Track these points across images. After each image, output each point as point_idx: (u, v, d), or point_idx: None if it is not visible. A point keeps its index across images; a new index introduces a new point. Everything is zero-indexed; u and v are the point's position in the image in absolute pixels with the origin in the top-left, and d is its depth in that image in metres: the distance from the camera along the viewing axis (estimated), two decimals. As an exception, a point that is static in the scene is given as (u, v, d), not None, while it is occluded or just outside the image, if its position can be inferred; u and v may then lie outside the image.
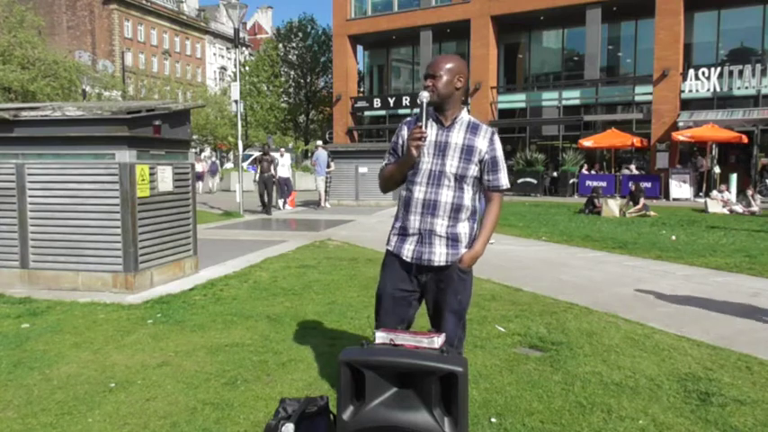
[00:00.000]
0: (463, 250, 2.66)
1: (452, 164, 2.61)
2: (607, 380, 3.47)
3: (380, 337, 2.24)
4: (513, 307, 5.20)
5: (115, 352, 3.97)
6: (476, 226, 2.72)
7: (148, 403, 3.15)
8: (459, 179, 2.62)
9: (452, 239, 2.65)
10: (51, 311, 4.97)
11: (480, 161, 2.64)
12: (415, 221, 2.66)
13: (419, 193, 2.64)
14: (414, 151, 2.55)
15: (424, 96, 2.56)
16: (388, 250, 2.78)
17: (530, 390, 3.32)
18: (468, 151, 2.62)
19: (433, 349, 2.15)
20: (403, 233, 2.71)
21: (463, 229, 2.66)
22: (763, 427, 2.90)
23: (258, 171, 15.14)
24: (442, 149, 2.62)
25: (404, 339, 2.21)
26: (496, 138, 2.68)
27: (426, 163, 2.63)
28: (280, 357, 3.83)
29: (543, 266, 7.39)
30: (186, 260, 6.45)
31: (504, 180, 2.69)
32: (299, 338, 4.23)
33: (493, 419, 2.94)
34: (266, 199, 14.54)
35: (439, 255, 2.64)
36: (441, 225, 2.63)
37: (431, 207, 2.63)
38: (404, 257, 2.69)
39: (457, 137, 2.63)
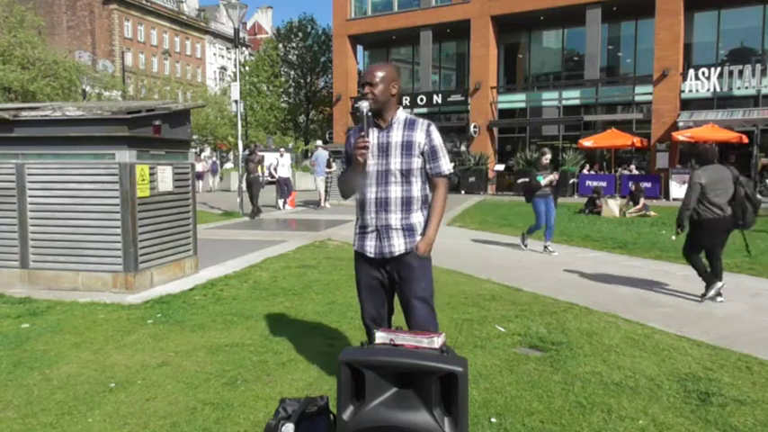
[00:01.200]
0: (418, 238, 2.85)
1: (396, 161, 2.81)
2: (607, 380, 3.47)
3: (380, 337, 2.24)
4: (513, 307, 5.20)
5: (115, 352, 3.97)
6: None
7: (148, 403, 3.15)
8: (406, 174, 2.82)
9: (408, 230, 2.84)
10: (51, 311, 4.97)
11: (422, 153, 2.83)
12: (371, 220, 2.86)
13: (370, 193, 2.85)
14: (360, 159, 2.77)
15: (365, 107, 2.74)
16: (354, 250, 2.98)
17: (530, 390, 3.32)
18: (408, 146, 2.81)
19: (432, 349, 2.15)
20: (362, 231, 2.92)
21: (417, 218, 2.86)
22: (763, 427, 2.90)
23: (245, 172, 14.26)
24: (384, 150, 2.83)
25: (404, 339, 2.21)
26: (433, 128, 2.87)
27: (373, 165, 2.83)
28: (280, 357, 3.83)
29: (543, 266, 7.39)
30: (186, 260, 6.45)
31: (444, 166, 2.87)
32: (299, 338, 4.23)
33: (493, 419, 2.94)
34: (254, 201, 13.72)
35: (398, 245, 2.84)
36: (395, 219, 2.83)
37: (383, 204, 2.83)
38: (367, 254, 2.89)
39: (396, 136, 2.83)
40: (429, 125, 2.87)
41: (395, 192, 2.82)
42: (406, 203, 2.83)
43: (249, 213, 13.59)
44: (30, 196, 5.79)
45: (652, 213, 14.01)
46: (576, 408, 3.09)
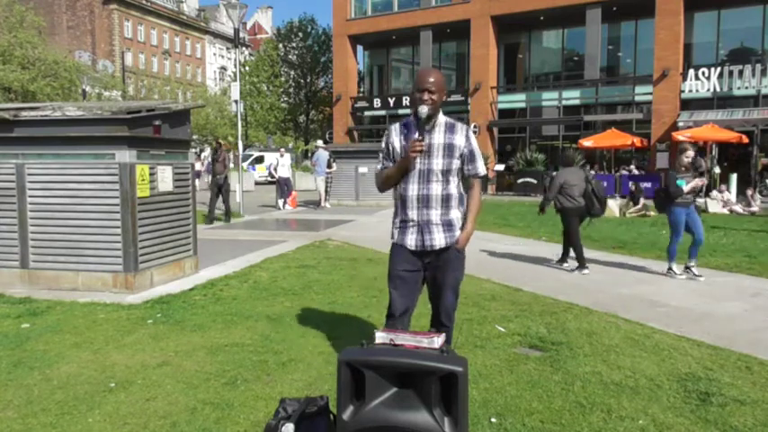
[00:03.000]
0: (457, 233, 3.08)
1: (438, 162, 3.02)
2: (607, 380, 3.47)
3: (380, 337, 2.24)
4: (513, 307, 5.20)
5: (115, 352, 3.97)
6: (464, 209, 3.16)
7: (148, 403, 3.15)
8: (445, 174, 3.04)
9: (447, 225, 3.07)
10: (51, 311, 4.97)
11: (460, 155, 3.06)
12: (413, 215, 3.06)
13: (413, 190, 3.05)
14: (414, 160, 2.97)
15: (424, 112, 2.93)
16: (393, 242, 3.17)
17: (530, 390, 3.32)
18: (449, 148, 3.02)
19: (433, 349, 2.15)
20: (403, 226, 3.11)
21: (455, 214, 3.09)
22: (763, 427, 2.90)
23: (211, 173, 12.72)
24: (427, 151, 3.01)
25: (404, 339, 2.21)
26: (471, 133, 3.13)
27: (416, 164, 3.03)
28: (280, 357, 3.84)
29: (543, 267, 7.39)
30: (186, 260, 6.45)
31: (481, 168, 3.12)
32: (299, 338, 4.23)
33: (493, 419, 2.94)
34: (214, 206, 12.35)
35: (438, 240, 3.05)
36: (435, 215, 3.05)
37: (425, 201, 3.04)
38: (408, 246, 3.08)
39: (438, 138, 3.03)
40: (468, 129, 3.11)
41: (436, 190, 3.03)
42: (445, 201, 3.05)
43: (210, 218, 12.19)
44: (30, 196, 5.79)
45: (652, 213, 13.99)
46: (576, 408, 3.09)
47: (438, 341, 2.19)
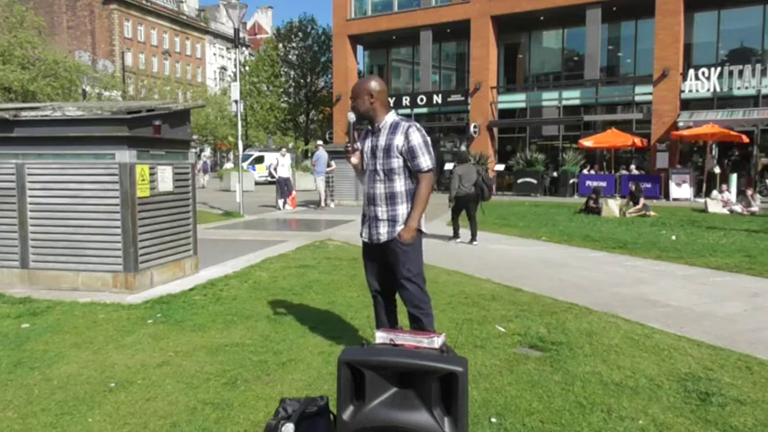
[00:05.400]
0: (399, 228, 3.28)
1: (379, 162, 3.29)
2: (607, 380, 3.47)
3: (380, 337, 2.24)
4: (513, 307, 5.20)
5: (115, 352, 3.97)
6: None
7: (148, 403, 3.15)
8: (388, 173, 3.27)
9: (391, 221, 3.31)
10: (51, 311, 4.97)
11: (401, 153, 3.24)
12: (366, 210, 3.43)
13: (365, 189, 3.41)
14: (351, 161, 3.39)
15: (350, 117, 3.29)
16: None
17: (530, 390, 3.32)
18: (387, 149, 3.25)
19: (432, 349, 2.15)
20: (362, 220, 3.50)
21: (401, 210, 3.30)
22: (763, 427, 2.90)
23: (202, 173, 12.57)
24: (373, 152, 3.33)
25: (404, 339, 2.21)
26: (412, 130, 3.24)
27: (367, 165, 3.38)
28: (280, 357, 3.84)
29: (543, 266, 7.39)
30: (186, 260, 6.45)
31: (423, 163, 3.24)
32: (299, 338, 4.23)
33: (493, 419, 2.94)
34: None
35: (383, 234, 3.34)
36: (381, 211, 3.33)
37: (372, 198, 3.36)
38: (363, 238, 3.49)
39: (382, 139, 3.29)
40: (408, 127, 3.24)
41: (379, 188, 3.31)
42: (390, 198, 3.29)
43: None
44: (30, 196, 5.79)
45: (652, 213, 14.01)
46: (576, 408, 3.09)
47: (438, 341, 2.19)
